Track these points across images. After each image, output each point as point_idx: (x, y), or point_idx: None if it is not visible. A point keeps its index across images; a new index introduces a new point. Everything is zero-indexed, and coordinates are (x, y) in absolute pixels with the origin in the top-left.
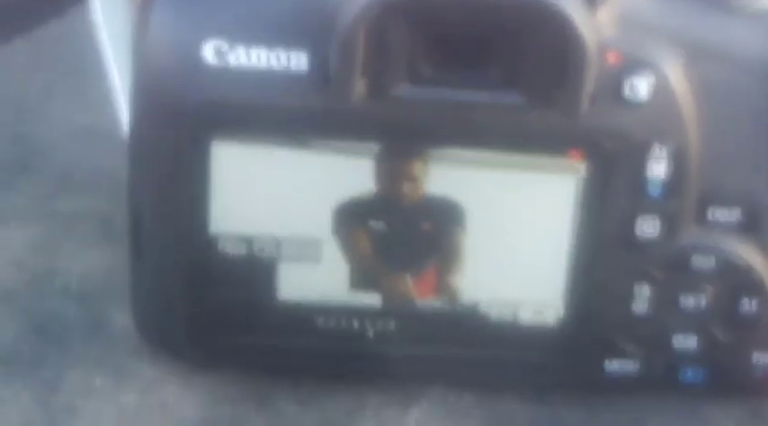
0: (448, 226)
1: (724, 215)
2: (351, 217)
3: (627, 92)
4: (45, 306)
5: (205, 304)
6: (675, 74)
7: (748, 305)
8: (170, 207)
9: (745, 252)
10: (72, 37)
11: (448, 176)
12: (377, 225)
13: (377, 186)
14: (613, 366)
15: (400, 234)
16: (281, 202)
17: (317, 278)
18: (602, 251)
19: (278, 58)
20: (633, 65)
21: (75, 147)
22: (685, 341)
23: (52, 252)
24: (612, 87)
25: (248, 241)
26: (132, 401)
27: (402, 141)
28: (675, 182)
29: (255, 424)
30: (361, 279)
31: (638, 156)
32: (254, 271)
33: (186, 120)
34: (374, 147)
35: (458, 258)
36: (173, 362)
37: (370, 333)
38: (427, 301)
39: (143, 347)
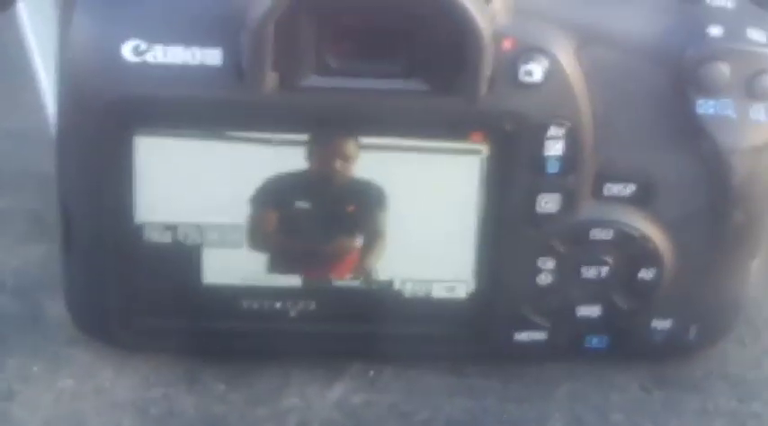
0: (371, 208)
1: (619, 189)
2: (275, 198)
3: (522, 76)
4: None
5: (134, 291)
6: (568, 58)
7: (646, 273)
8: (97, 199)
9: (641, 224)
10: (0, 42)
11: (367, 160)
12: (302, 205)
13: (308, 165)
14: (522, 336)
15: (325, 215)
16: (203, 191)
17: (240, 262)
18: (507, 227)
19: (193, 55)
20: (527, 50)
21: (5, 148)
22: (589, 310)
23: None
24: (509, 72)
25: (173, 229)
26: (68, 386)
27: (313, 130)
28: (572, 160)
29: (186, 404)
30: (279, 262)
31: (536, 136)
32: (179, 258)
33: (109, 116)
34: (288, 136)
35: (380, 239)
36: (106, 348)
37: (292, 313)
38: (345, 280)
39: (78, 335)
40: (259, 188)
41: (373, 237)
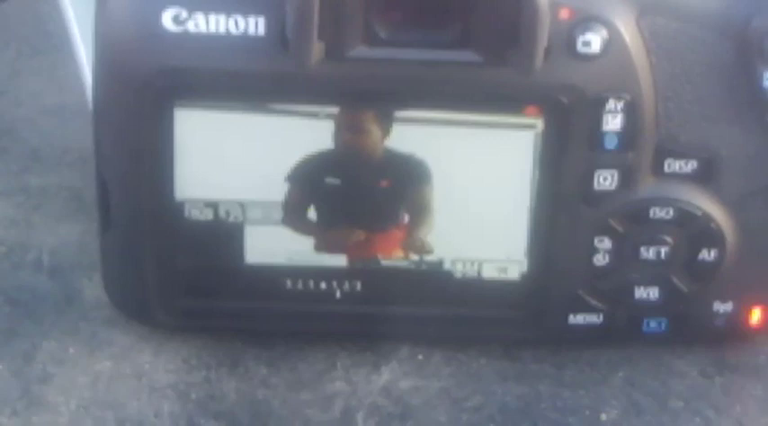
0: (411, 183)
1: (680, 166)
2: (306, 174)
3: (580, 47)
4: (18, 280)
5: (174, 270)
6: (627, 28)
7: (707, 254)
8: (135, 175)
9: (703, 203)
10: (39, 16)
11: (410, 135)
12: (333, 182)
13: (334, 143)
14: (577, 319)
15: (357, 190)
16: (245, 166)
17: (284, 241)
18: (562, 205)
19: (236, 24)
20: (585, 20)
21: (44, 125)
22: (647, 293)
23: (24, 227)
24: (566, 43)
25: (214, 206)
26: (106, 369)
27: (361, 102)
28: (631, 135)
29: (228, 387)
30: (322, 241)
31: (594, 110)
32: (221, 236)
33: (148, 88)
34: (334, 109)
35: (427, 215)
36: (145, 330)
37: (338, 294)
38: (393, 260)
39: (115, 316)
40: (293, 165)
41: (417, 213)
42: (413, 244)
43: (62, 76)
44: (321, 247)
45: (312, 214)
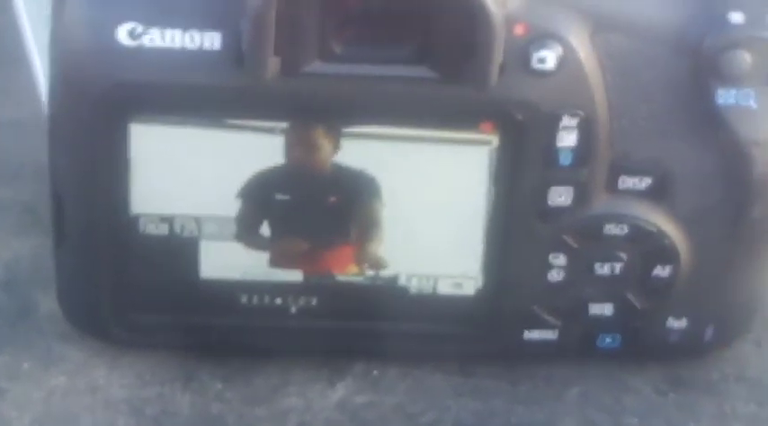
0: (360, 198)
1: (635, 183)
2: (258, 191)
3: (535, 63)
4: None
5: (129, 285)
6: (582, 45)
7: (661, 271)
8: (90, 189)
9: (657, 219)
10: None
11: (365, 150)
12: (283, 197)
13: (284, 159)
14: (533, 335)
15: (306, 206)
16: (201, 181)
17: (239, 256)
18: (517, 221)
19: (192, 39)
20: (540, 36)
21: None
22: (601, 308)
23: None
24: (521, 59)
25: (169, 220)
26: (61, 384)
27: (317, 118)
28: (585, 151)
29: (182, 403)
30: (275, 257)
31: (549, 126)
32: (176, 251)
33: (103, 102)
34: (289, 124)
35: (376, 230)
36: (100, 345)
37: (293, 309)
38: (348, 275)
39: (70, 331)
40: (245, 181)
41: (366, 228)
42: (365, 258)
43: (17, 90)
44: (275, 262)
45: (265, 229)
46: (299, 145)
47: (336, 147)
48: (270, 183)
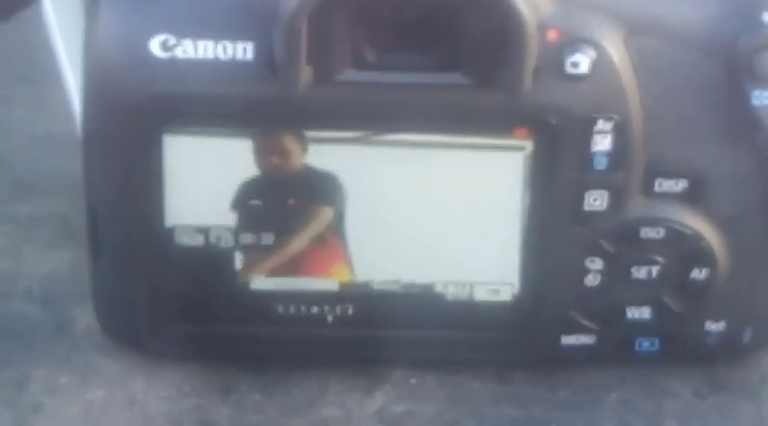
0: (315, 200)
1: (670, 186)
2: (236, 197)
3: (568, 68)
4: (9, 309)
5: (165, 296)
6: (616, 48)
7: (698, 273)
8: (125, 202)
9: (693, 222)
10: (27, 44)
11: (399, 158)
12: (255, 203)
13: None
14: (570, 340)
15: (272, 210)
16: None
17: None
18: (553, 226)
19: (224, 49)
20: (573, 41)
21: (34, 153)
22: (639, 313)
23: (14, 255)
24: (554, 64)
25: (205, 231)
26: (98, 398)
27: (348, 126)
28: (620, 155)
29: (221, 414)
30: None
31: (583, 131)
32: (211, 262)
33: (137, 114)
34: (323, 134)
35: (332, 235)
36: (138, 357)
37: (329, 318)
38: (384, 284)
39: (107, 344)
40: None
41: (325, 233)
42: (339, 266)
43: (51, 105)
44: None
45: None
46: (261, 151)
47: (299, 152)
48: (246, 189)
